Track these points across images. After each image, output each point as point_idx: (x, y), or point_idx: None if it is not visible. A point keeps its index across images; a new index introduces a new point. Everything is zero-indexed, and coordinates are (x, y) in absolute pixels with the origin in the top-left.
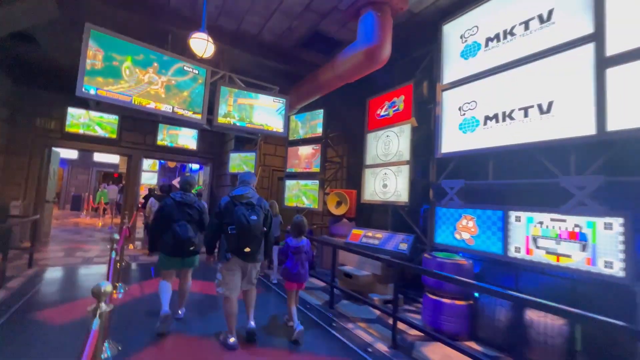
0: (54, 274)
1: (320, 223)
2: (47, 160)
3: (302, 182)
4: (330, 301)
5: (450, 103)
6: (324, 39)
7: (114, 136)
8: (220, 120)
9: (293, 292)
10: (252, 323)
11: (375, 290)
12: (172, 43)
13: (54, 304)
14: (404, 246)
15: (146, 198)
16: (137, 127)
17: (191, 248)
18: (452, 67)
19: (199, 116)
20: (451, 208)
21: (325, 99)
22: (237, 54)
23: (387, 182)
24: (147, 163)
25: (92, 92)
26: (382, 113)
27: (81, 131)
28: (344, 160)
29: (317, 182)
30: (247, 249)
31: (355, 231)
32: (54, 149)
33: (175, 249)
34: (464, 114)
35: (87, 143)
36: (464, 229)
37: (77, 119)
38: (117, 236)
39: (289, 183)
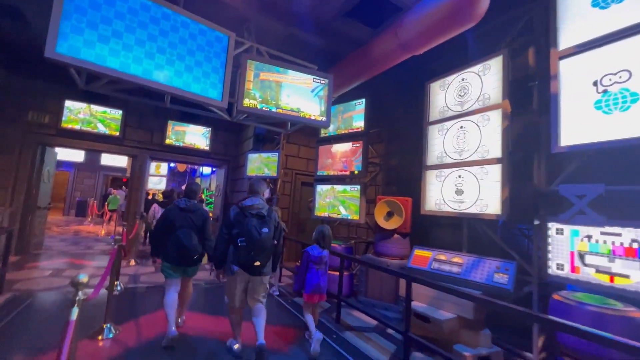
0: (26, 305)
1: (355, 237)
2: (40, 160)
3: (338, 187)
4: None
5: (576, 74)
6: (375, 3)
7: (116, 134)
8: (246, 103)
9: (310, 305)
10: (262, 340)
11: (462, 340)
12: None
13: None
14: (501, 277)
15: (147, 203)
16: (143, 123)
17: (195, 257)
18: (578, 23)
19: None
20: (581, 225)
21: (356, 89)
22: (265, 24)
23: (464, 188)
24: (152, 166)
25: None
26: None
27: (79, 127)
28: (383, 162)
29: (358, 187)
30: (257, 263)
31: (419, 252)
32: (51, 148)
33: (179, 258)
34: (606, 88)
35: (86, 141)
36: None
37: (76, 114)
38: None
39: (321, 189)
